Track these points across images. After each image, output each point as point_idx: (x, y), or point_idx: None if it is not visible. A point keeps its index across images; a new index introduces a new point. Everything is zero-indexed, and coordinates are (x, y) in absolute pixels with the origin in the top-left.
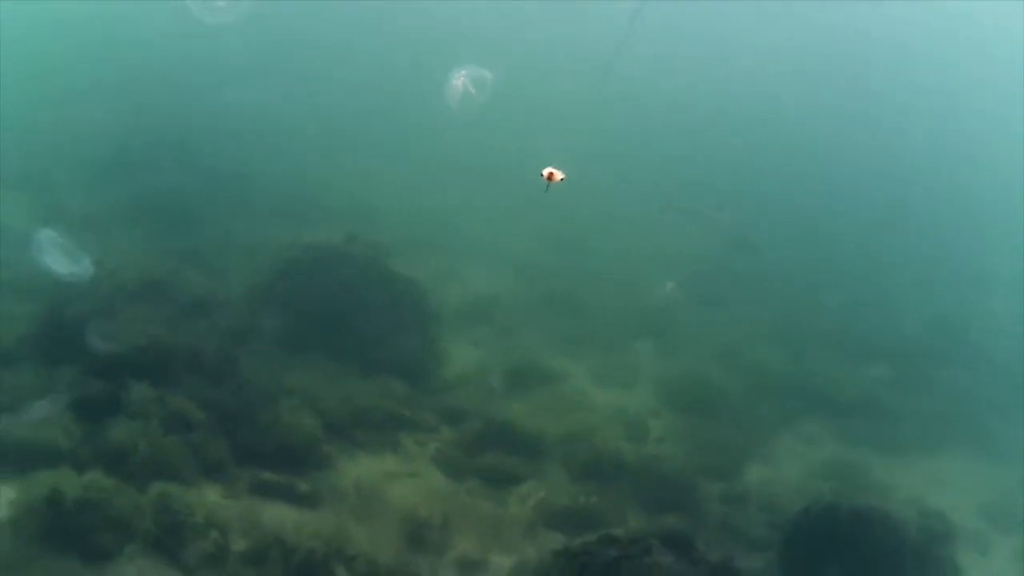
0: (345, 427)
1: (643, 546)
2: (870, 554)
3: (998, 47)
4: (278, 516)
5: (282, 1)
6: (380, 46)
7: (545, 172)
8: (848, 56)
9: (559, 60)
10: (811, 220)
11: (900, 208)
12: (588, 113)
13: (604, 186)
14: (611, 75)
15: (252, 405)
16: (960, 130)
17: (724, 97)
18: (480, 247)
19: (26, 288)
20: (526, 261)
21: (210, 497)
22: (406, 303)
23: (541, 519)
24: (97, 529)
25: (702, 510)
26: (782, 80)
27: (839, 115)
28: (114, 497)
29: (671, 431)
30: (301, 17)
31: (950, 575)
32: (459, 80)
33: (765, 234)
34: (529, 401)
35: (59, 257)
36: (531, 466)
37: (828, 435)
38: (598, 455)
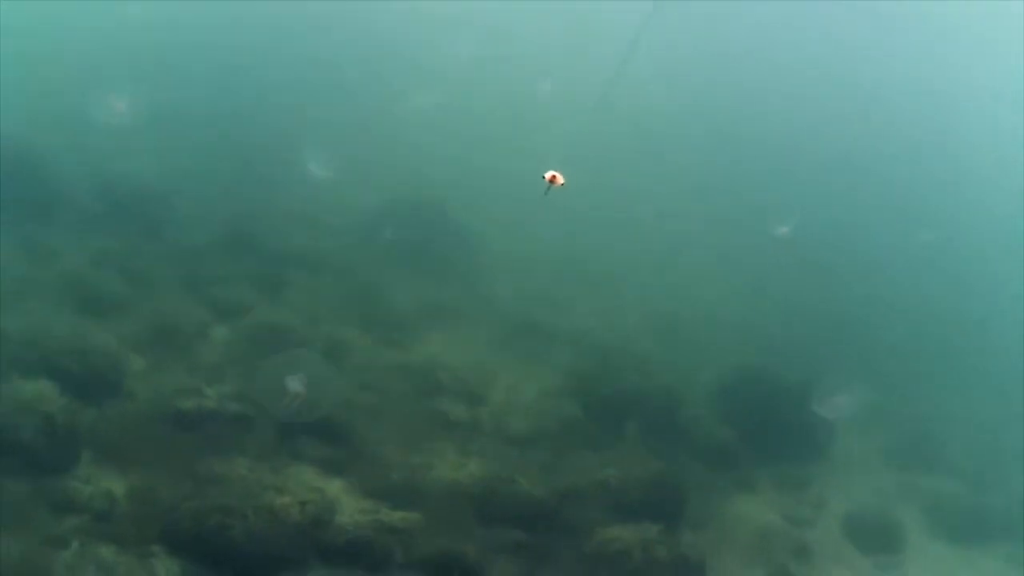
0: (429, 311)
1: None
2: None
3: None
4: (393, 356)
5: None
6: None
7: (547, 175)
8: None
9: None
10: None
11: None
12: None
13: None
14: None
15: (367, 288)
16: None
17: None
18: (523, 216)
19: None
20: (554, 233)
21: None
22: (468, 241)
23: (560, 376)
24: None
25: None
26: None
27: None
28: None
29: (647, 353)
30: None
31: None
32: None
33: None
34: (545, 316)
35: None
36: (551, 350)
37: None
38: (599, 349)
